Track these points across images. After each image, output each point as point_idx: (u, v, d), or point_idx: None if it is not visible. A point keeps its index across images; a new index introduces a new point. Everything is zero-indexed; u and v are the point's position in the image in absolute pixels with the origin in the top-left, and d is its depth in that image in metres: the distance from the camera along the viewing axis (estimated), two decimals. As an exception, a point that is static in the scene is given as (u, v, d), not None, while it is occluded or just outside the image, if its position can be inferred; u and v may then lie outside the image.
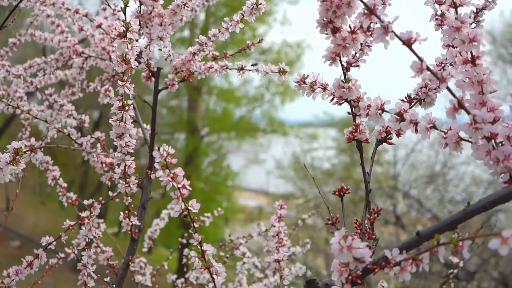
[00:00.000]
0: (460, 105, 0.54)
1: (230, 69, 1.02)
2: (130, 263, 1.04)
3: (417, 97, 0.72)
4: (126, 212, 1.01)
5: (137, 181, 0.95)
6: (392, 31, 0.52)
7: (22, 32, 1.36)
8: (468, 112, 0.54)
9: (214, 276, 0.68)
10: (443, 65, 0.72)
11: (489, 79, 0.56)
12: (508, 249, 0.42)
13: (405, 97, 0.73)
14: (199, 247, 0.68)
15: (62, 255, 1.16)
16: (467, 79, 0.57)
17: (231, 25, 0.94)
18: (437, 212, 6.82)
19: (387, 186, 6.38)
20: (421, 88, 0.72)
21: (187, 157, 11.09)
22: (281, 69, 0.89)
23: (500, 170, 0.53)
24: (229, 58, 1.03)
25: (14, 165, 0.70)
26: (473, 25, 0.75)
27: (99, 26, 1.10)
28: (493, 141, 0.56)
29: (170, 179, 0.65)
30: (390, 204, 6.21)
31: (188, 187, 0.66)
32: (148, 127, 1.18)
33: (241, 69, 1.00)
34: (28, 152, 0.70)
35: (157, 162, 0.64)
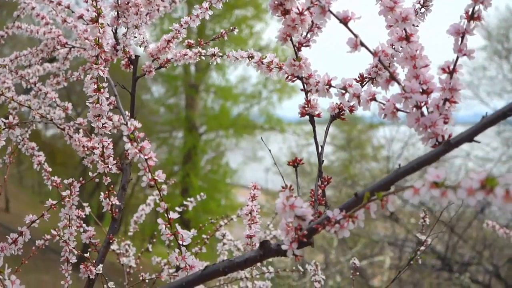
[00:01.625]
0: (392, 77, 0.60)
1: (203, 55, 1.07)
2: (111, 241, 1.09)
3: (369, 76, 0.77)
4: (107, 192, 1.06)
5: (115, 162, 1.01)
6: (329, 11, 0.58)
7: (9, 25, 1.41)
8: (399, 83, 0.59)
9: (180, 242, 0.73)
10: (393, 46, 0.78)
11: (421, 54, 0.62)
12: (419, 199, 0.48)
13: (358, 76, 0.78)
14: (166, 215, 0.73)
15: (48, 236, 1.22)
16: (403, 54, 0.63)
17: (201, 12, 1.00)
18: (432, 206, 6.88)
19: (379, 177, 6.44)
20: (372, 67, 0.77)
21: (185, 155, 11.15)
22: (250, 55, 0.94)
23: (428, 135, 0.59)
24: (204, 46, 1.09)
25: (-6, 142, 0.75)
26: (423, 9, 0.81)
27: (81, 17, 1.15)
28: (425, 109, 0.61)
29: (138, 151, 0.71)
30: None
31: (155, 159, 0.71)
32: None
33: (213, 55, 1.06)
34: (7, 129, 0.75)
35: (125, 135, 0.70)
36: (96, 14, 0.81)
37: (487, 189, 0.40)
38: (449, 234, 6.56)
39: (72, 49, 1.30)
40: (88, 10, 1.20)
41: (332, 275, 5.74)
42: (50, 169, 1.20)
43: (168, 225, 0.73)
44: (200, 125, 12.12)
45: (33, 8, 1.30)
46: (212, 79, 12.61)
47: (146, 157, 0.71)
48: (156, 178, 0.71)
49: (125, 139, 0.70)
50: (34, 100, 1.32)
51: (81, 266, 1.07)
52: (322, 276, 1.22)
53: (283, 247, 0.63)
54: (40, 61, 1.31)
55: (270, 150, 1.05)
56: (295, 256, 0.64)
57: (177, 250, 0.73)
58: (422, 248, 1.16)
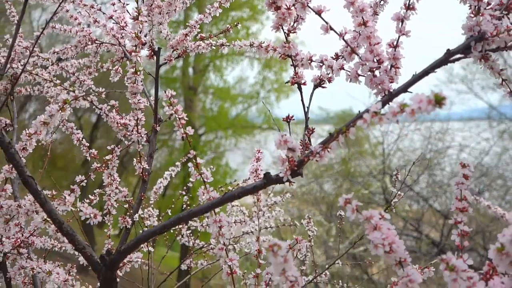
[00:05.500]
0: (352, 51, 0.85)
1: (214, 46, 1.33)
2: (142, 198, 1.34)
3: (342, 54, 1.03)
4: (138, 158, 1.31)
5: (146, 132, 1.26)
6: (308, 6, 0.84)
7: (45, 25, 1.67)
8: (357, 55, 0.85)
9: (205, 179, 0.99)
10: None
11: (374, 35, 0.87)
12: (354, 133, 0.73)
13: (334, 54, 1.03)
14: (194, 161, 0.99)
15: (88, 200, 1.46)
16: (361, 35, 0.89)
17: (212, 10, 1.26)
18: (426, 195, 7.16)
19: (375, 169, 6.70)
20: (344, 47, 1.02)
21: (185, 156, 11.37)
22: (251, 43, 1.20)
23: (378, 91, 0.85)
24: (213, 38, 1.35)
25: (62, 111, 1.00)
26: (382, 2, 1.06)
27: (111, 17, 1.41)
28: (377, 72, 0.87)
29: (173, 112, 0.96)
30: (379, 187, 6.53)
31: (185, 118, 0.97)
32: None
33: (222, 45, 1.31)
34: (73, 101, 1.00)
35: (164, 101, 0.95)
36: (137, 14, 1.06)
37: (402, 110, 0.66)
38: (443, 222, 6.83)
39: (101, 44, 1.56)
40: (115, 11, 1.46)
41: (331, 262, 5.98)
42: (87, 144, 1.45)
43: (196, 167, 0.98)
44: (199, 126, 12.37)
45: (67, 11, 1.55)
46: (210, 80, 12.88)
47: (179, 116, 0.96)
48: (187, 132, 0.97)
49: (164, 103, 0.96)
50: (70, 88, 1.57)
51: (119, 218, 1.32)
52: (315, 228, 1.48)
53: (280, 174, 0.88)
54: (75, 55, 1.56)
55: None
56: (289, 182, 0.90)
57: (203, 187, 0.99)
58: (395, 200, 1.41)
